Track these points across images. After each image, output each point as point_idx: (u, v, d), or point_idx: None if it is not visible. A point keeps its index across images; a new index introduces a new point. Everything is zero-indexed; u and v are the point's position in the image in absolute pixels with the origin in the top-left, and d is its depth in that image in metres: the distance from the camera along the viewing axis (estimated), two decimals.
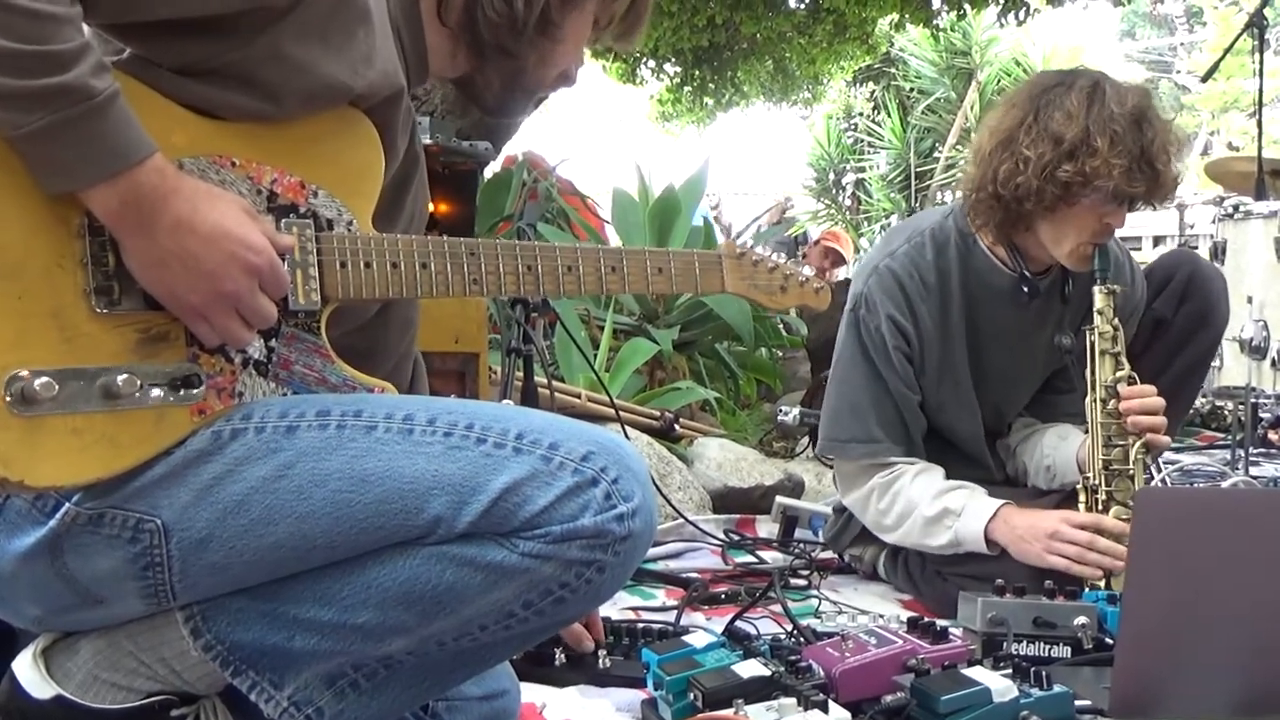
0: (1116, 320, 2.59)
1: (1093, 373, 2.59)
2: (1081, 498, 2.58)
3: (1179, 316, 2.88)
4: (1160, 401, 2.55)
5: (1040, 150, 2.51)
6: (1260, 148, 5.40)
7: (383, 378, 1.51)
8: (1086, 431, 2.64)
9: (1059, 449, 2.84)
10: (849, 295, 2.83)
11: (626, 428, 3.71)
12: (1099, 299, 2.59)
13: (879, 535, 2.81)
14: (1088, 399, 2.61)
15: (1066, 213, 2.56)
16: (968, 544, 2.59)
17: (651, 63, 12.22)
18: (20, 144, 1.17)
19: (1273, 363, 4.82)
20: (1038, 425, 2.99)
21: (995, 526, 2.56)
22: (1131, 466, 2.54)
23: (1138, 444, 2.54)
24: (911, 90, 17.17)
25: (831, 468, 3.34)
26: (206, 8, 1.28)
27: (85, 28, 1.22)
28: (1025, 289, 2.71)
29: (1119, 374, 2.57)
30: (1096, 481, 2.56)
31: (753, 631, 2.29)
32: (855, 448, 2.76)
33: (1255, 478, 4.22)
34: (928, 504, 2.63)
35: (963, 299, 2.76)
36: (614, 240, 6.45)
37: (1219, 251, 5.25)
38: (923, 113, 16.88)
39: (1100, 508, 2.54)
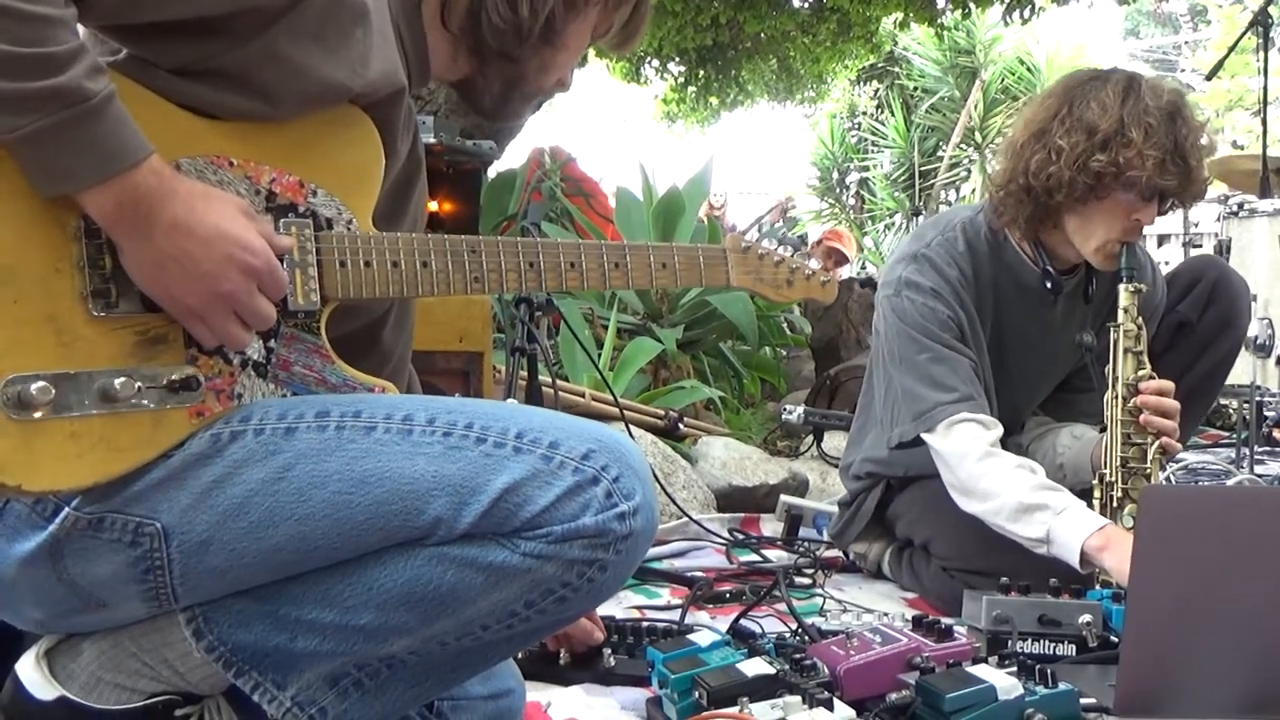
0: (1140, 319, 2.59)
1: (1115, 370, 2.59)
2: (1097, 494, 2.57)
3: (1203, 321, 2.89)
4: (1175, 405, 2.54)
5: (1074, 140, 2.51)
6: (1265, 146, 5.40)
7: (385, 379, 1.50)
8: (1104, 429, 2.63)
9: (1073, 448, 2.83)
10: (882, 285, 2.81)
11: (631, 427, 3.71)
12: (1124, 297, 2.59)
13: (958, 496, 2.61)
14: (1108, 396, 2.60)
15: (1096, 206, 2.56)
16: (1056, 546, 2.40)
17: (655, 62, 12.21)
18: (15, 147, 1.17)
19: (1278, 361, 4.81)
20: (1052, 424, 2.98)
21: (1102, 545, 2.33)
22: (1149, 465, 2.53)
23: (1156, 444, 2.53)
24: (915, 89, 17.14)
25: (834, 464, 3.34)
26: (199, 9, 1.28)
27: (80, 29, 1.21)
28: (1050, 285, 2.70)
29: (1140, 372, 2.56)
30: (1113, 479, 2.55)
31: (757, 630, 2.29)
32: (943, 410, 2.60)
33: (1260, 476, 4.22)
34: (1028, 492, 2.45)
35: (992, 294, 2.76)
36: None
37: (1224, 250, 5.25)
38: (926, 112, 16.86)
39: (1115, 505, 2.53)
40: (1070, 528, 2.37)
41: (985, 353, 2.76)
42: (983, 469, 2.53)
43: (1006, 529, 2.48)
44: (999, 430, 2.60)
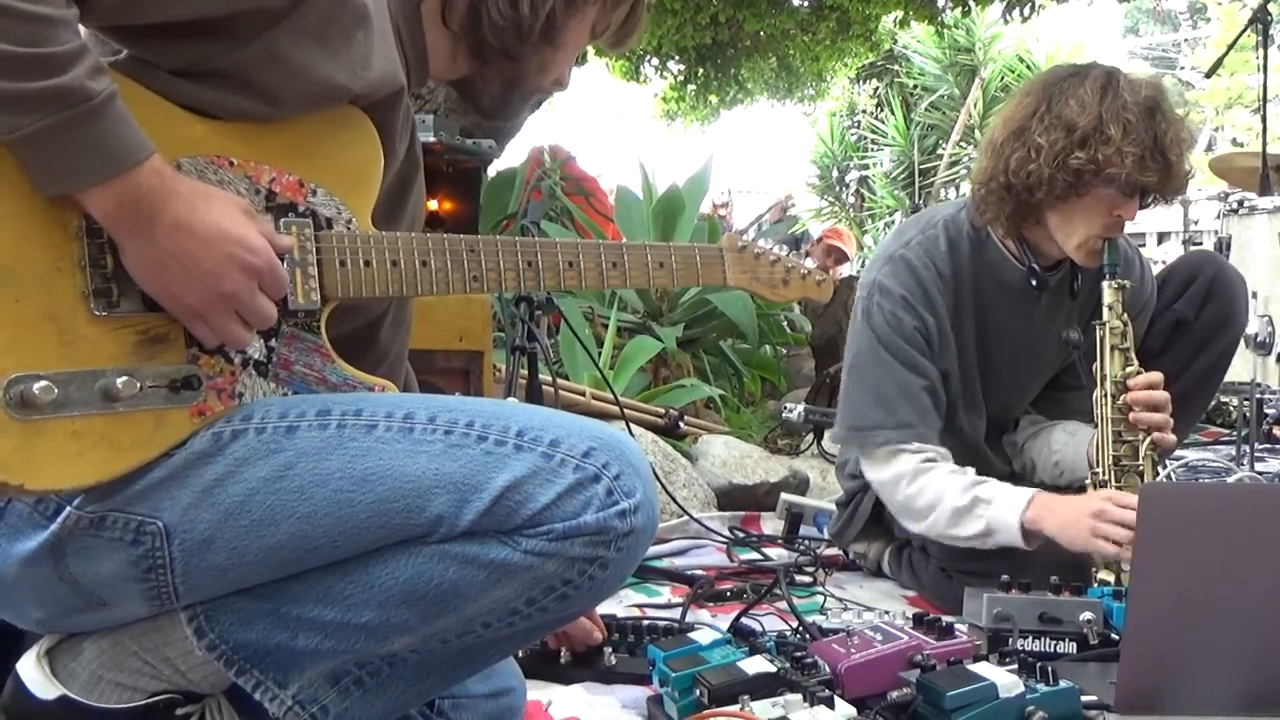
0: (1126, 315, 2.59)
1: (1102, 368, 2.59)
2: (1090, 492, 2.57)
3: (1201, 318, 2.88)
4: (1165, 397, 2.54)
5: (1053, 138, 2.51)
6: (1265, 143, 5.40)
7: (381, 377, 1.50)
8: (1095, 427, 2.63)
9: (1068, 445, 2.83)
10: (859, 285, 2.82)
11: (631, 425, 3.71)
12: (1108, 294, 2.59)
13: (905, 521, 2.71)
14: (1096, 393, 2.60)
15: (1077, 203, 2.55)
16: (1000, 533, 2.49)
17: (655, 60, 12.21)
18: (17, 147, 1.17)
19: (1278, 359, 4.81)
20: (1045, 422, 2.98)
21: (1036, 515, 2.45)
22: (1141, 462, 2.53)
23: (1147, 440, 2.53)
24: (915, 87, 17.12)
25: (835, 463, 3.34)
26: (201, 10, 1.28)
27: (81, 29, 1.22)
28: (1035, 282, 2.71)
29: (1128, 369, 2.56)
30: (1106, 477, 2.55)
31: (758, 628, 2.29)
32: (881, 434, 2.67)
33: (1260, 473, 4.21)
34: (957, 495, 2.54)
35: (974, 292, 2.76)
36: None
37: (1224, 247, 5.25)
38: (926, 110, 16.84)
39: None
40: (1004, 511, 2.47)
41: (970, 351, 2.78)
42: (916, 489, 2.61)
43: (951, 535, 2.56)
44: (936, 462, 2.65)
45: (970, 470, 2.62)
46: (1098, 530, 2.36)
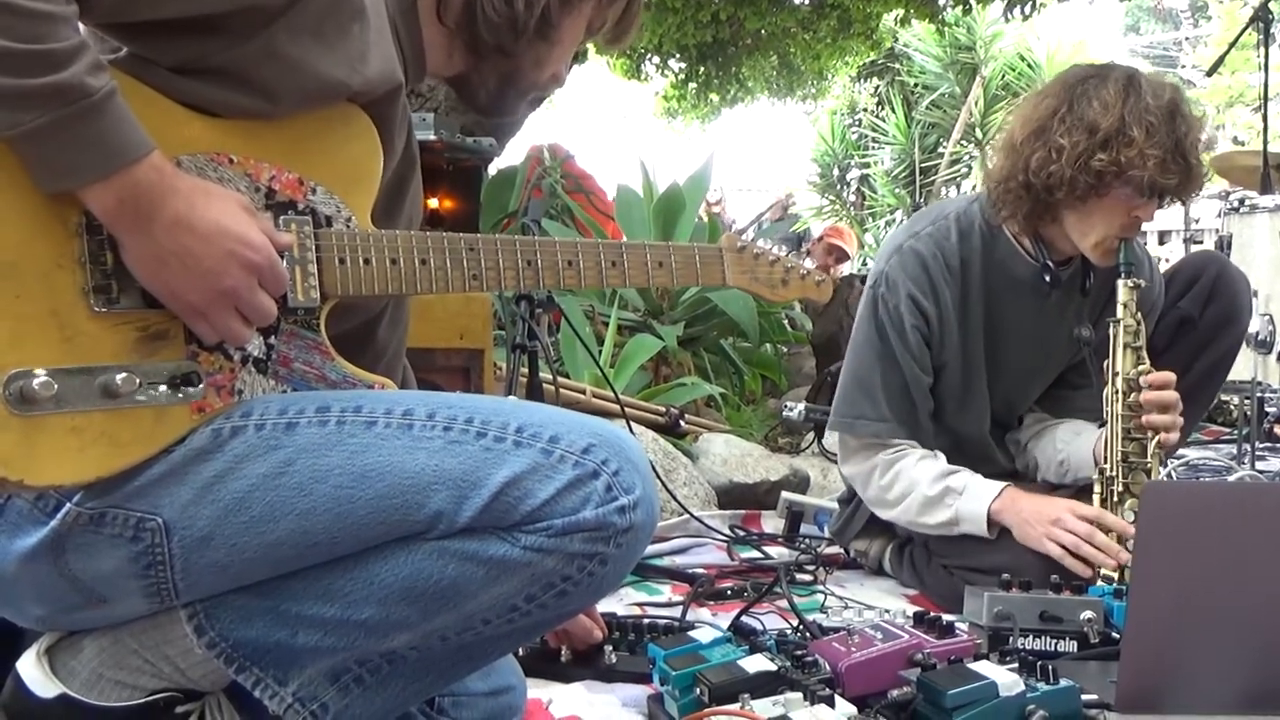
0: (1139, 314, 2.59)
1: (1114, 365, 2.59)
2: (1097, 489, 2.58)
3: (1205, 316, 2.89)
4: (1175, 398, 2.55)
5: (1075, 139, 2.51)
6: (1265, 142, 5.40)
7: (379, 374, 1.50)
8: (1102, 425, 2.63)
9: (1073, 444, 2.83)
10: (869, 274, 2.85)
11: (632, 424, 3.71)
12: (1123, 292, 2.59)
13: (878, 511, 2.83)
14: (1107, 391, 2.60)
15: (1097, 204, 2.56)
16: (966, 523, 2.62)
17: (656, 59, 12.23)
18: (17, 143, 1.17)
19: (1279, 357, 4.80)
20: (1049, 420, 2.99)
21: (1001, 507, 2.59)
22: (1149, 460, 2.54)
23: (1156, 438, 2.54)
24: (916, 85, 17.11)
25: (836, 461, 3.34)
26: (199, 7, 1.28)
27: (81, 26, 1.22)
28: (1047, 278, 2.71)
29: (1140, 368, 2.57)
30: (1114, 474, 2.56)
31: (759, 627, 2.29)
32: (863, 425, 2.77)
33: (1261, 472, 4.22)
34: (929, 484, 2.66)
35: (983, 287, 2.76)
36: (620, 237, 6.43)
37: (1224, 246, 5.25)
38: (927, 108, 16.83)
39: (1116, 499, 2.54)
40: (973, 501, 2.60)
41: (977, 345, 2.80)
42: (889, 479, 2.73)
43: (919, 524, 2.69)
44: (907, 450, 2.75)
45: (941, 456, 2.73)
46: (1051, 534, 2.50)
